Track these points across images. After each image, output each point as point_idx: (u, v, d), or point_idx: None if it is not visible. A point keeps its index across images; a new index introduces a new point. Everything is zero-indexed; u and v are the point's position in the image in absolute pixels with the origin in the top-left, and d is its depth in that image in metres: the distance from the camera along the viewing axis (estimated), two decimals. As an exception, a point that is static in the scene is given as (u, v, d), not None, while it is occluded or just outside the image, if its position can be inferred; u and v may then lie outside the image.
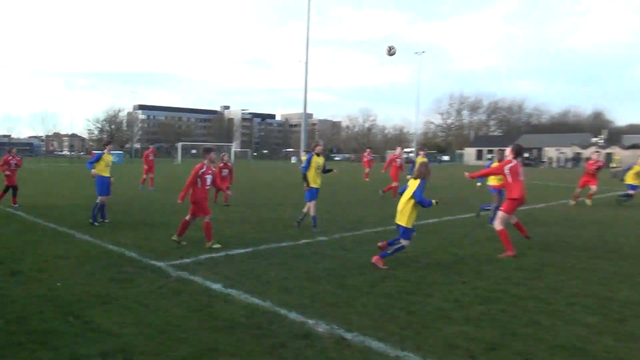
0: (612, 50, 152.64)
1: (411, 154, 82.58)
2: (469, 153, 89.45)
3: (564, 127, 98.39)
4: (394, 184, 17.38)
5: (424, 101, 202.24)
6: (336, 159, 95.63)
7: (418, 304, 5.23)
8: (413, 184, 6.93)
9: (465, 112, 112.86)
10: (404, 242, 6.90)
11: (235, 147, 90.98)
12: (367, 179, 27.58)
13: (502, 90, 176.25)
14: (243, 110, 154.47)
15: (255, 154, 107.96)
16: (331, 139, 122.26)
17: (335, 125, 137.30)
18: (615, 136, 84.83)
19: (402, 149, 18.95)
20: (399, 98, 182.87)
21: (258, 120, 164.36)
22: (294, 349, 4.03)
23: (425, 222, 11.37)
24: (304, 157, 26.66)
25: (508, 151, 8.33)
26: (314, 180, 10.00)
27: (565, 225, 11.24)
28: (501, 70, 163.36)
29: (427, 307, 5.11)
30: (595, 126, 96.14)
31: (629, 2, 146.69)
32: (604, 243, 8.94)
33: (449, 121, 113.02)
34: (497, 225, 7.97)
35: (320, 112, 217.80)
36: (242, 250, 7.79)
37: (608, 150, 69.75)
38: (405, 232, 6.87)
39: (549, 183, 27.47)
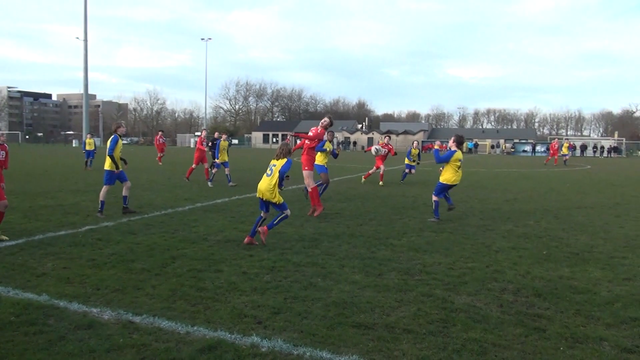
0: (370, 51, 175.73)
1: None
2: (256, 137, 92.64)
3: (336, 115, 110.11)
4: (194, 166, 17.21)
5: (212, 87, 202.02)
6: (124, 142, 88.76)
7: (208, 280, 5.37)
8: (279, 164, 7.05)
9: (251, 99, 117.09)
10: (286, 212, 7.18)
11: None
12: (160, 163, 26.69)
13: (283, 80, 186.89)
14: (10, 87, 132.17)
15: (27, 136, 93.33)
16: (117, 122, 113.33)
17: (122, 108, 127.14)
18: (375, 123, 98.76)
19: (206, 132, 18.73)
20: (188, 82, 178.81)
21: (30, 99, 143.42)
22: (76, 341, 3.78)
23: (214, 202, 11.55)
24: (89, 140, 24.10)
25: (322, 126, 10.38)
26: (120, 162, 9.67)
27: (336, 199, 12.68)
28: (282, 62, 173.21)
29: (216, 282, 5.29)
30: (360, 114, 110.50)
31: (380, 11, 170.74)
32: (367, 212, 10.42)
33: (237, 106, 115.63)
34: (309, 184, 9.76)
35: (104, 93, 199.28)
36: (11, 243, 6.83)
37: (369, 135, 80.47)
38: (280, 207, 7.11)
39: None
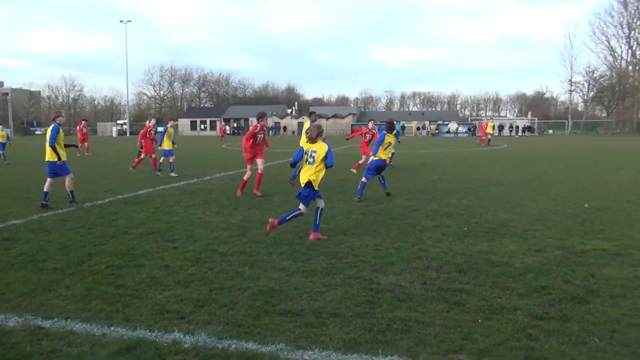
0: (299, 35, 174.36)
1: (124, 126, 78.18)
2: (184, 124, 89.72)
3: (265, 100, 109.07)
4: (144, 156, 16.26)
5: (134, 72, 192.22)
6: (37, 132, 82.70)
7: (128, 276, 5.10)
8: (320, 147, 6.66)
9: (177, 84, 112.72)
10: (320, 203, 6.81)
11: None
12: (88, 153, 25.51)
13: (210, 65, 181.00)
14: None
15: None
16: (29, 111, 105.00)
17: (34, 95, 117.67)
18: (305, 108, 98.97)
19: (155, 120, 17.64)
20: (108, 68, 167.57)
21: None
22: (-25, 353, 3.44)
23: (136, 193, 11.04)
24: (1, 132, 22.04)
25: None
26: (64, 152, 9.19)
27: (265, 185, 12.51)
28: (209, 46, 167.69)
29: (137, 278, 5.03)
30: (289, 99, 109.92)
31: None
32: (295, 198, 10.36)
33: (162, 93, 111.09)
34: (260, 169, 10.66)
35: (14, 80, 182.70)
36: None
37: (299, 120, 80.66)
38: (316, 193, 6.73)
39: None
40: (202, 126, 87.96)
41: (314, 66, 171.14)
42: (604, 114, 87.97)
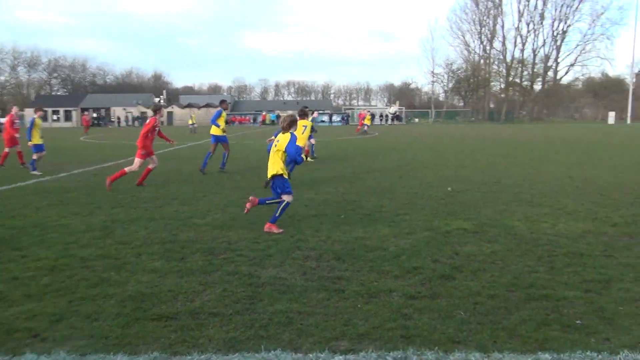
0: (166, 18, 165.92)
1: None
2: (31, 114, 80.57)
3: (129, 87, 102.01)
4: (7, 150, 14.15)
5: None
6: None
7: (-37, 294, 4.33)
8: (283, 138, 6.53)
9: (21, 69, 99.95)
10: (286, 197, 6.53)
11: None
12: None
13: (62, 48, 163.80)
14: None
15: None
16: None
17: None
18: (174, 96, 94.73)
19: (19, 109, 15.02)
20: None
21: None
22: None
23: (-25, 195, 9.56)
24: None
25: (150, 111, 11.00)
26: None
27: (133, 181, 11.64)
28: (60, 26, 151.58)
29: (-25, 295, 4.30)
30: (156, 87, 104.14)
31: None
32: (168, 193, 9.79)
33: (2, 78, 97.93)
34: (131, 168, 10.22)
35: None
36: None
37: (169, 110, 77.19)
38: (282, 182, 6.54)
39: (123, 142, 28.00)
40: (55, 117, 79.49)
41: (182, 52, 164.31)
42: (462, 104, 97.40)
